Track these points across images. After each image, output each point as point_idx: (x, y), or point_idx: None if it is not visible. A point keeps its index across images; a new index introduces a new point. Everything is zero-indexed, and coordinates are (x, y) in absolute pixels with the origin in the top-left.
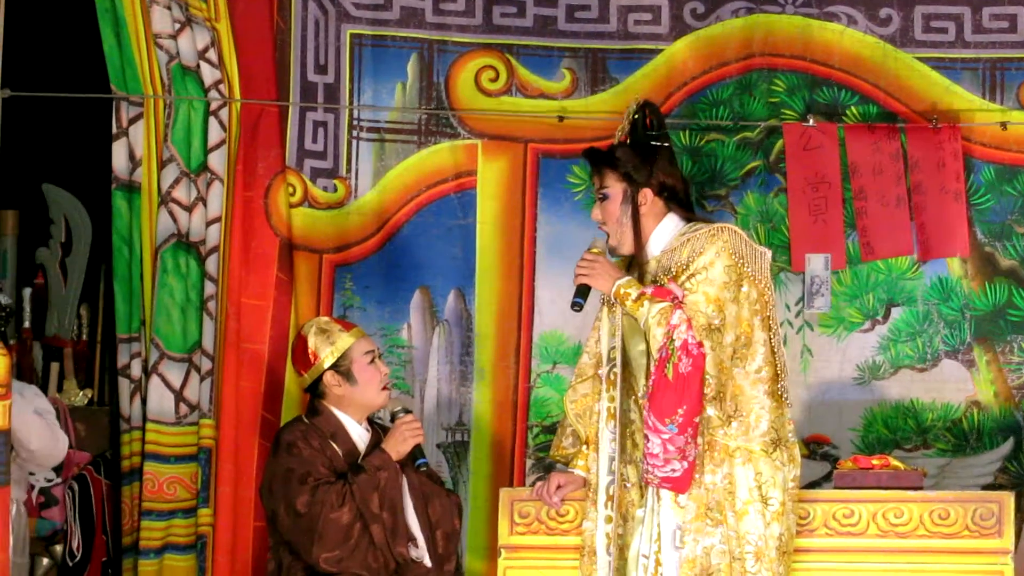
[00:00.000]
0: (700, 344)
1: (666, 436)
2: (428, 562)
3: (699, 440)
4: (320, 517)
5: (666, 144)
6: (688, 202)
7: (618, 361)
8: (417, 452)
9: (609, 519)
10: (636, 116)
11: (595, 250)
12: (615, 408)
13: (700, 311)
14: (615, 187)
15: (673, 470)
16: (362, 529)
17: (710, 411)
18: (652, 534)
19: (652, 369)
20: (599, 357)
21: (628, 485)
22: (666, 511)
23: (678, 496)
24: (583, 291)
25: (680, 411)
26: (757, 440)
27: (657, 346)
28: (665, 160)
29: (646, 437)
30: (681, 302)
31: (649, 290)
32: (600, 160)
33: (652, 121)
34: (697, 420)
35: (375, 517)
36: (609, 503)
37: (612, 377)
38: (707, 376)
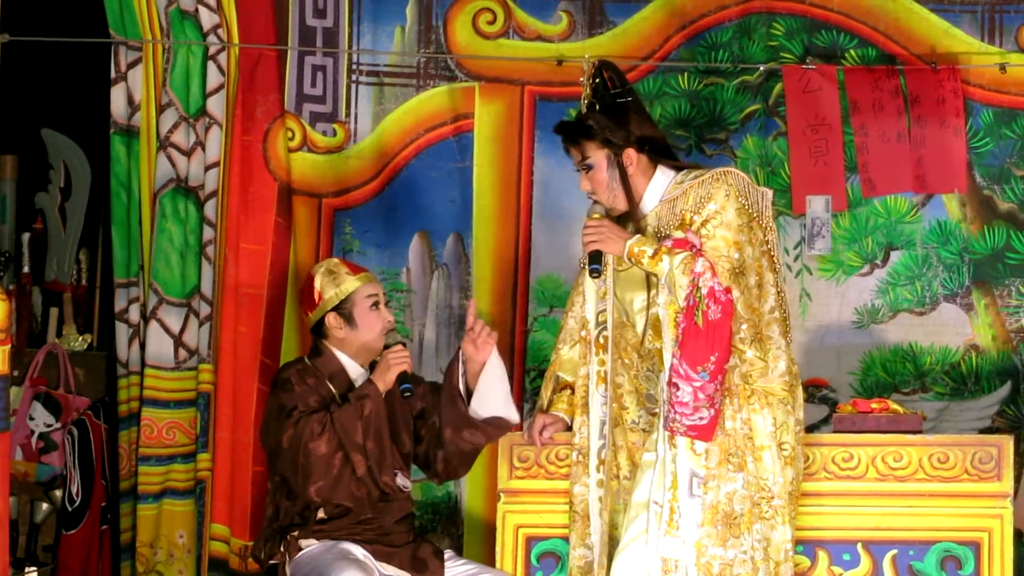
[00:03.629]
0: (727, 290)
1: (697, 384)
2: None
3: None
4: (301, 448)
5: (631, 98)
6: (669, 149)
7: (608, 324)
8: (402, 378)
9: (601, 483)
10: (597, 80)
11: (596, 216)
12: (605, 372)
13: (723, 255)
14: (597, 155)
15: (701, 418)
16: (343, 459)
17: (749, 354)
18: (665, 482)
19: (680, 319)
20: (585, 321)
21: (615, 448)
22: (682, 458)
23: (694, 443)
24: (596, 257)
25: (712, 358)
26: (777, 380)
27: (683, 295)
28: (637, 114)
29: (675, 385)
30: (700, 250)
31: (668, 243)
32: (575, 132)
33: (612, 79)
34: (726, 367)
35: (357, 447)
36: (601, 467)
37: (602, 340)
38: (740, 320)
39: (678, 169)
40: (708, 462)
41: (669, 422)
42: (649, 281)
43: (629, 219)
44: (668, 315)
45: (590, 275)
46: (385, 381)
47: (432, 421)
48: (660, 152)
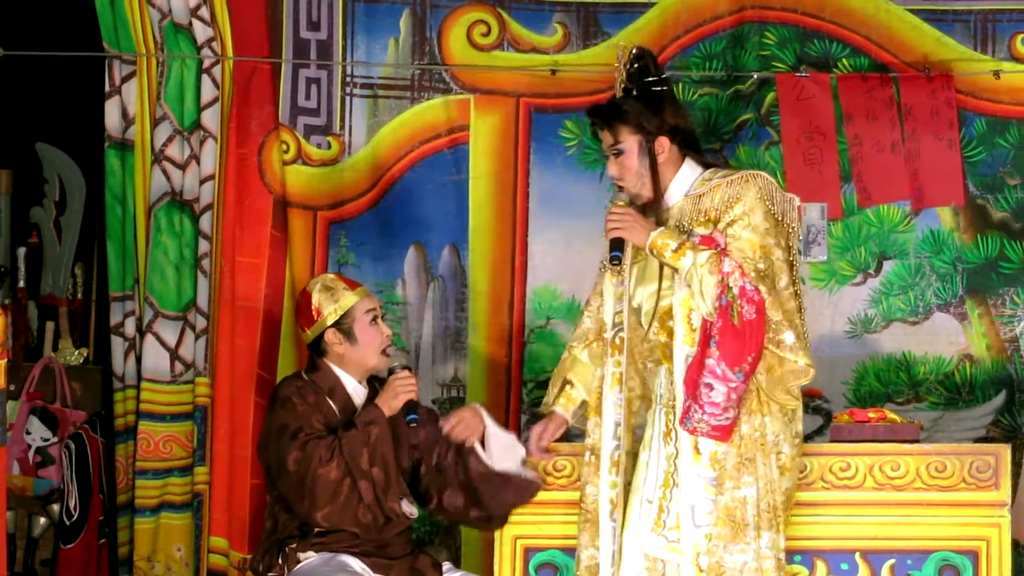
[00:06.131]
0: (757, 290)
1: (733, 384)
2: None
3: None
4: (309, 473)
5: (667, 88)
6: (698, 143)
7: (624, 326)
8: (409, 408)
9: (614, 485)
10: (634, 65)
11: (621, 203)
12: (621, 373)
13: (747, 258)
14: (629, 140)
15: (728, 418)
16: (351, 485)
17: (794, 356)
18: (657, 479)
19: (715, 319)
20: (602, 323)
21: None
22: (686, 460)
23: (698, 445)
24: (618, 244)
25: (749, 359)
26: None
27: (712, 295)
28: (671, 104)
29: (708, 386)
30: (726, 251)
31: (695, 239)
32: (610, 115)
33: (649, 67)
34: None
35: (364, 473)
36: (614, 469)
37: (618, 342)
38: (771, 322)
39: (706, 165)
40: (720, 465)
41: (693, 422)
42: (662, 273)
43: (652, 209)
44: (682, 312)
45: (610, 262)
46: (391, 407)
47: (435, 460)
48: (690, 145)
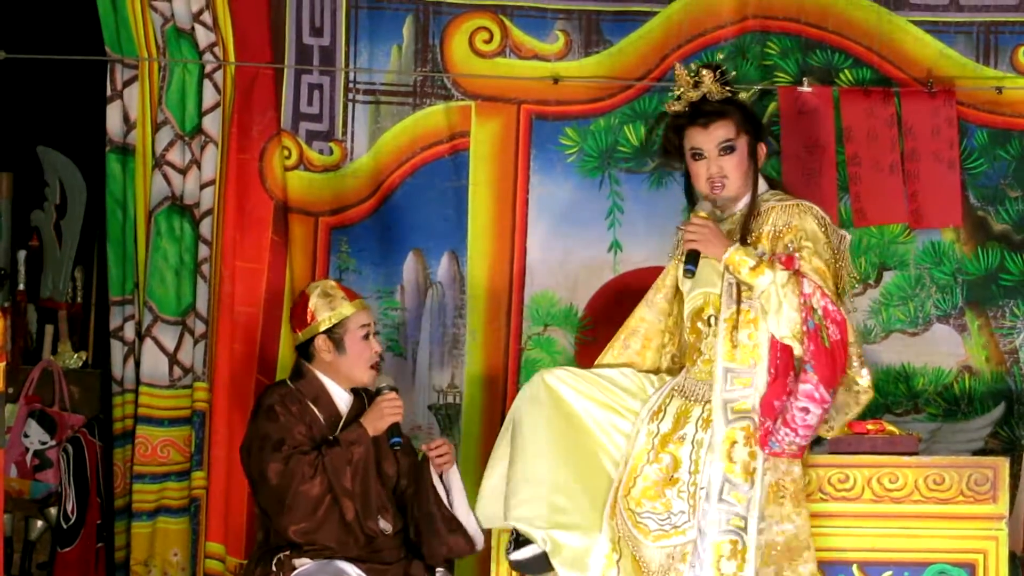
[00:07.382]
0: (839, 310)
1: (827, 406)
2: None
3: None
4: (290, 488)
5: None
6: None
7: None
8: (393, 430)
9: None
10: (724, 76)
11: (702, 214)
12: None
13: (824, 280)
14: (740, 140)
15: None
16: (331, 503)
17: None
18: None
19: (806, 342)
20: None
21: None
22: (716, 464)
23: (732, 450)
24: (693, 257)
25: (841, 379)
26: None
27: (795, 319)
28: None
29: (805, 410)
30: (802, 272)
31: (779, 259)
32: (735, 108)
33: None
34: None
35: (346, 492)
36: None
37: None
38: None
39: (769, 186)
40: (742, 471)
41: (782, 445)
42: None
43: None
44: (726, 328)
45: (683, 275)
46: (376, 428)
47: (412, 513)
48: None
